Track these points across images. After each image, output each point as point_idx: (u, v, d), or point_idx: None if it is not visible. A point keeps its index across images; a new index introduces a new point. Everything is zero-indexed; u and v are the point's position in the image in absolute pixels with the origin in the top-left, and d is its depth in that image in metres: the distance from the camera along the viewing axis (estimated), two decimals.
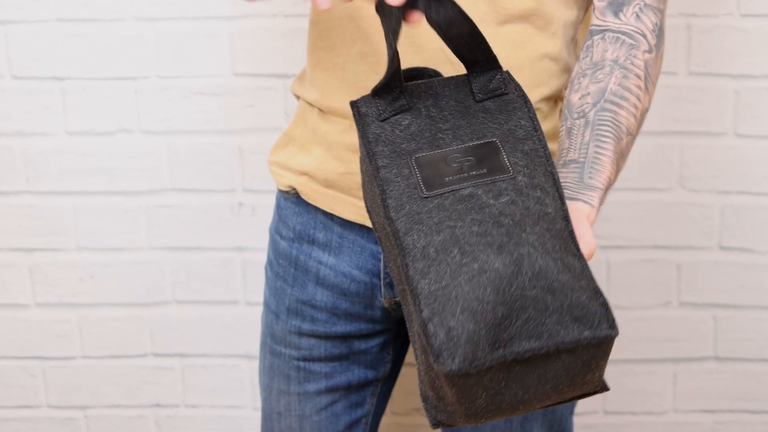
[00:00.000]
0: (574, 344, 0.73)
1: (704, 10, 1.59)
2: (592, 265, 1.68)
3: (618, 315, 1.76)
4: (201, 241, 1.74)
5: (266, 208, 1.70)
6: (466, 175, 0.80)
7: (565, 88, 1.10)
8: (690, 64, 1.62)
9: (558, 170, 0.93)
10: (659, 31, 1.03)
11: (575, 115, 0.98)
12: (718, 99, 1.63)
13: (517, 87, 0.89)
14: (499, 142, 0.84)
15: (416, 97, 0.87)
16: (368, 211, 0.89)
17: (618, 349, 1.78)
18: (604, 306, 0.75)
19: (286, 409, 1.22)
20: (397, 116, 0.86)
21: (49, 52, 1.65)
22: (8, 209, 1.73)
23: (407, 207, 0.79)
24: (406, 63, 1.02)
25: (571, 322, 0.73)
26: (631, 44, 1.01)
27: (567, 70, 1.08)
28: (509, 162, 0.82)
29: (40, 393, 1.83)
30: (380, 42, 1.04)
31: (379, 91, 0.86)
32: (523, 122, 0.87)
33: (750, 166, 1.66)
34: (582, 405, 1.79)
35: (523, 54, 1.04)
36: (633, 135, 0.99)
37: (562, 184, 0.91)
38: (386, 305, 1.15)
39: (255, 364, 1.79)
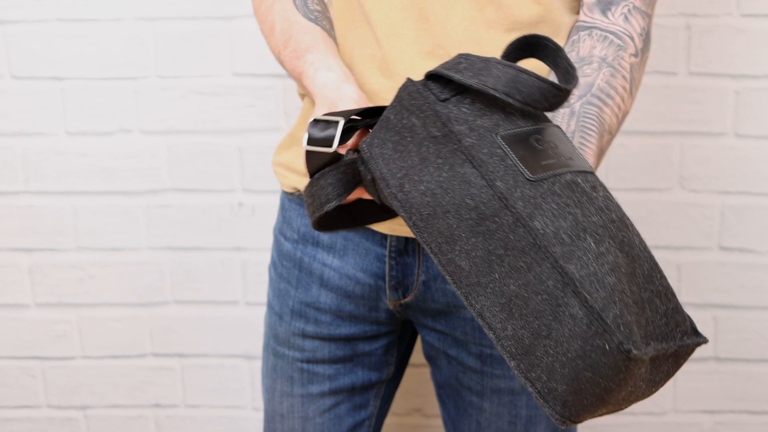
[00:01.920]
0: (687, 349, 0.72)
1: (704, 10, 1.59)
2: None
3: None
4: (201, 241, 1.74)
5: (266, 208, 1.70)
6: (558, 160, 0.75)
7: None
8: (690, 64, 1.62)
9: None
10: (646, 36, 1.03)
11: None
12: (718, 99, 1.63)
13: None
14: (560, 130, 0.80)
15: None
16: (419, 205, 0.77)
17: None
18: (686, 314, 0.74)
19: (289, 411, 1.21)
20: (456, 96, 0.79)
21: (49, 52, 1.64)
22: (8, 209, 1.72)
23: (518, 191, 0.73)
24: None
25: (675, 326, 0.71)
26: (619, 45, 1.01)
27: None
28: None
29: (39, 393, 1.83)
30: (389, 46, 1.04)
31: (432, 76, 0.80)
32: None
33: (750, 167, 1.66)
34: None
35: (531, 62, 1.04)
36: (612, 135, 0.99)
37: None
38: (391, 307, 1.15)
39: (255, 365, 1.79)
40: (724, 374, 1.78)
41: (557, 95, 0.76)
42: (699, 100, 1.63)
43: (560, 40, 1.05)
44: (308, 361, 1.18)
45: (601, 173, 1.67)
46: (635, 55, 1.02)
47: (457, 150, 0.75)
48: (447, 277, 0.74)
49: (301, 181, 1.14)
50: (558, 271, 0.69)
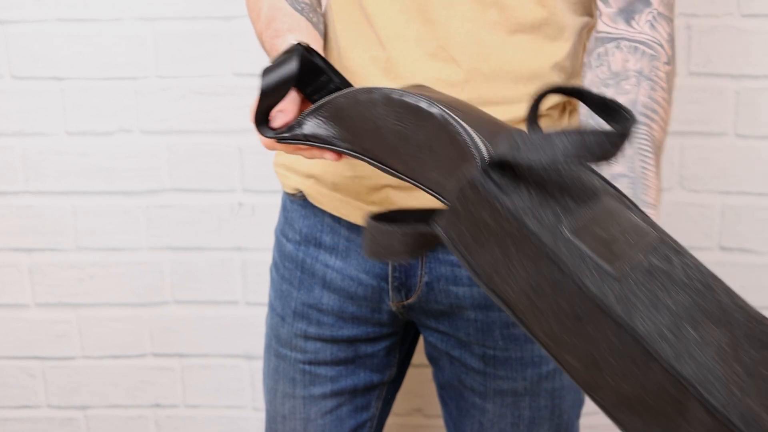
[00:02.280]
0: None
1: (704, 10, 1.59)
2: None
3: None
4: (201, 241, 1.73)
5: (266, 208, 1.70)
6: (627, 241, 0.71)
7: None
8: (690, 64, 1.62)
9: None
10: (673, 42, 1.01)
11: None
12: (718, 99, 1.63)
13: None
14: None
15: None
16: (516, 303, 0.72)
17: None
18: None
19: (290, 412, 1.21)
20: (513, 183, 0.72)
21: (49, 52, 1.64)
22: (8, 209, 1.72)
23: (608, 289, 0.67)
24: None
25: None
26: (652, 55, 0.98)
27: (573, 75, 1.08)
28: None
29: (39, 393, 1.83)
30: (392, 47, 1.04)
31: (493, 165, 0.72)
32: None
33: (750, 167, 1.66)
34: (584, 405, 1.79)
35: (535, 64, 1.03)
36: (661, 150, 0.97)
37: None
38: (394, 309, 1.14)
39: (255, 365, 1.79)
40: None
41: (623, 139, 0.71)
42: (699, 100, 1.63)
43: (564, 43, 1.04)
44: (310, 363, 1.18)
45: None
46: (668, 63, 0.99)
47: (539, 251, 0.69)
48: (566, 372, 0.71)
49: (302, 181, 1.13)
50: (673, 375, 0.65)
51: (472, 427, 1.20)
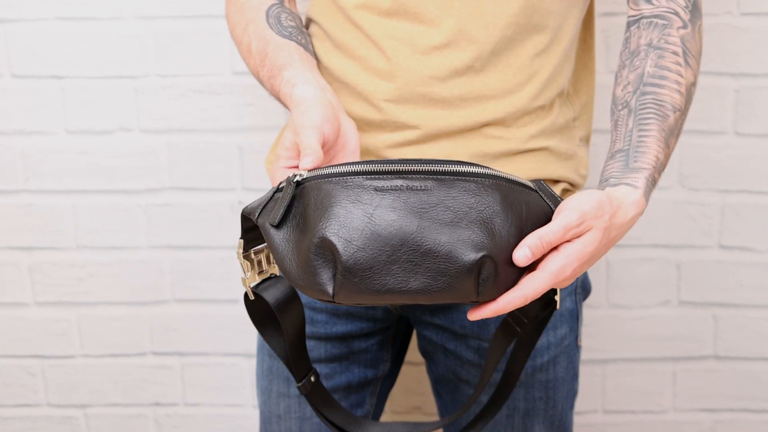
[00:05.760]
0: None
1: (704, 8, 1.59)
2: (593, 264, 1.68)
3: (618, 314, 1.76)
4: (200, 240, 1.74)
5: None
6: None
7: (570, 80, 1.12)
8: None
9: (606, 164, 0.96)
10: (693, 7, 1.04)
11: (620, 107, 1.00)
12: (718, 98, 1.63)
13: None
14: None
15: None
16: None
17: (618, 348, 1.78)
18: None
19: (285, 411, 1.21)
20: None
21: (49, 50, 1.65)
22: (8, 208, 1.73)
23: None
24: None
25: None
26: (663, 25, 1.02)
27: (569, 61, 1.10)
28: None
29: (39, 392, 1.83)
30: (387, 47, 1.04)
31: None
32: None
33: (750, 165, 1.66)
34: (581, 404, 1.79)
35: (546, 61, 1.06)
36: (681, 110, 1.00)
37: (609, 175, 0.93)
38: (388, 305, 1.15)
39: (254, 363, 1.79)
40: (723, 373, 1.78)
41: None
42: (699, 99, 1.62)
43: (562, 35, 1.06)
44: None
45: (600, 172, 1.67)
46: (684, 27, 1.02)
47: None
48: None
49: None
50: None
51: (468, 419, 1.20)
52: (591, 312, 1.74)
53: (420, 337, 1.22)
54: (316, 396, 1.02)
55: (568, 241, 0.83)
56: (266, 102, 1.66)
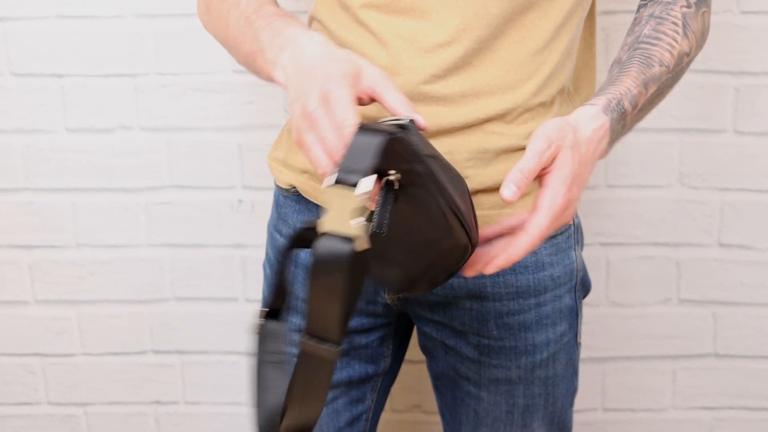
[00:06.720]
0: None
1: None
2: (593, 262, 1.68)
3: (617, 312, 1.76)
4: (200, 238, 1.74)
5: (266, 205, 1.70)
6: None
7: (571, 78, 1.14)
8: None
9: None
10: None
11: (612, 66, 1.04)
12: (717, 96, 1.63)
13: None
14: None
15: None
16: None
17: (617, 346, 1.78)
18: None
19: None
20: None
21: (49, 49, 1.65)
22: (8, 206, 1.73)
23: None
24: None
25: None
26: (667, 2, 1.06)
27: (570, 58, 1.11)
28: None
29: (40, 390, 1.83)
30: (392, 45, 1.04)
31: None
32: None
33: (749, 163, 1.66)
34: (581, 402, 1.79)
35: (548, 57, 1.06)
36: (669, 69, 1.02)
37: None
38: (389, 301, 1.15)
39: None
40: (723, 371, 1.78)
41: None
42: (698, 97, 1.63)
43: (567, 31, 1.07)
44: None
45: (600, 170, 1.67)
46: (687, 6, 1.05)
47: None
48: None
49: (296, 177, 1.14)
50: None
51: (468, 416, 1.20)
52: (591, 310, 1.74)
53: (420, 334, 1.22)
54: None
55: (544, 170, 0.87)
56: (266, 100, 1.66)
